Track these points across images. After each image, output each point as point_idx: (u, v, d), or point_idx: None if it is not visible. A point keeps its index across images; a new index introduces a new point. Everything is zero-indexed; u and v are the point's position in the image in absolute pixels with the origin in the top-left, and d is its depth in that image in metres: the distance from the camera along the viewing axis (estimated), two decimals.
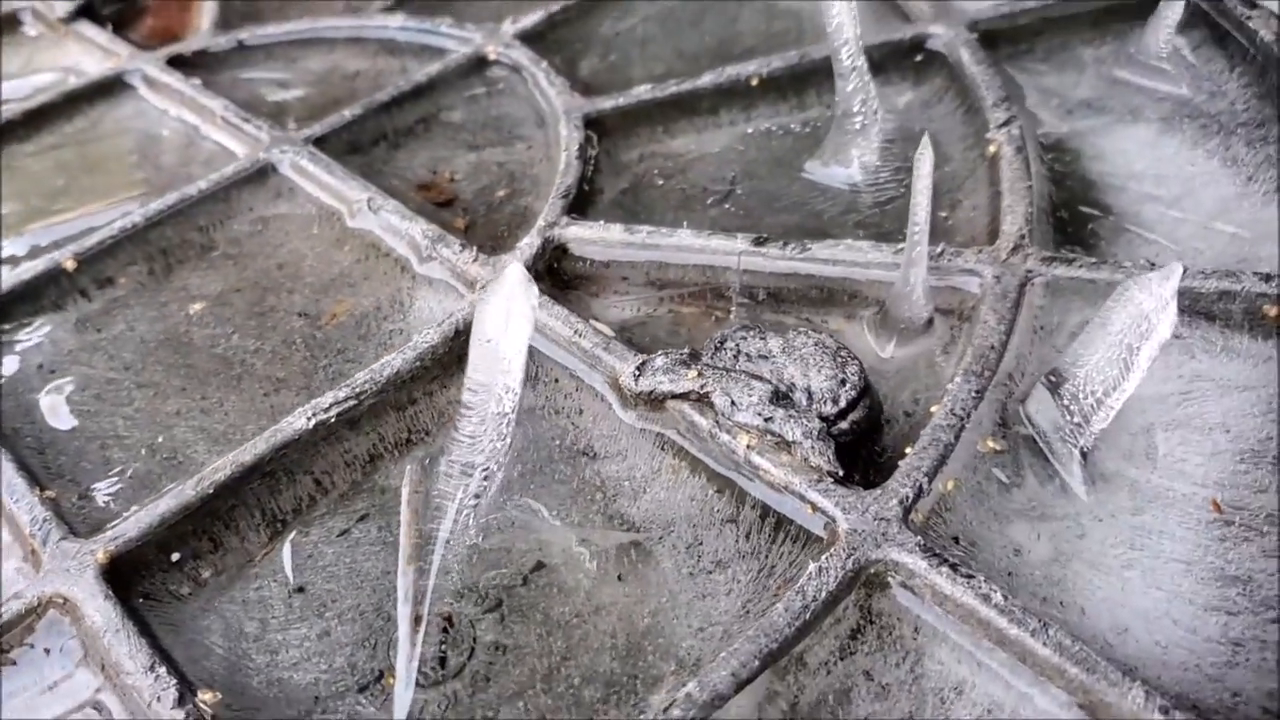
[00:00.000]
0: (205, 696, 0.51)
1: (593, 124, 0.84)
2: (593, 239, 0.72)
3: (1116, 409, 0.56)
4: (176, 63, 1.00)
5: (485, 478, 0.58)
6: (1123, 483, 0.57)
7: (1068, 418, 0.56)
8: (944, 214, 0.75)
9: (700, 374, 0.61)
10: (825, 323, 0.68)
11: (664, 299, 0.71)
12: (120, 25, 1.14)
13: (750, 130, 0.85)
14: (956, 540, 0.55)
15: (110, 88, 0.99)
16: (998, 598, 0.49)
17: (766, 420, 0.58)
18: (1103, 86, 0.83)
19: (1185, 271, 0.63)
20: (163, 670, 0.52)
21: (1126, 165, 0.76)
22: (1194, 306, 0.63)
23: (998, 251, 0.66)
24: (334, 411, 0.63)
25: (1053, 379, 0.57)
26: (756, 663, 0.49)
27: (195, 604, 0.58)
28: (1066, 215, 0.72)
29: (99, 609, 0.54)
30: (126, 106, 0.98)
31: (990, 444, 0.58)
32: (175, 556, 0.58)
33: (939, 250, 0.67)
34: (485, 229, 0.79)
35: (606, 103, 0.85)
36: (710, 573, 0.56)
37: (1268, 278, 0.62)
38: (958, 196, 0.76)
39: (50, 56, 1.09)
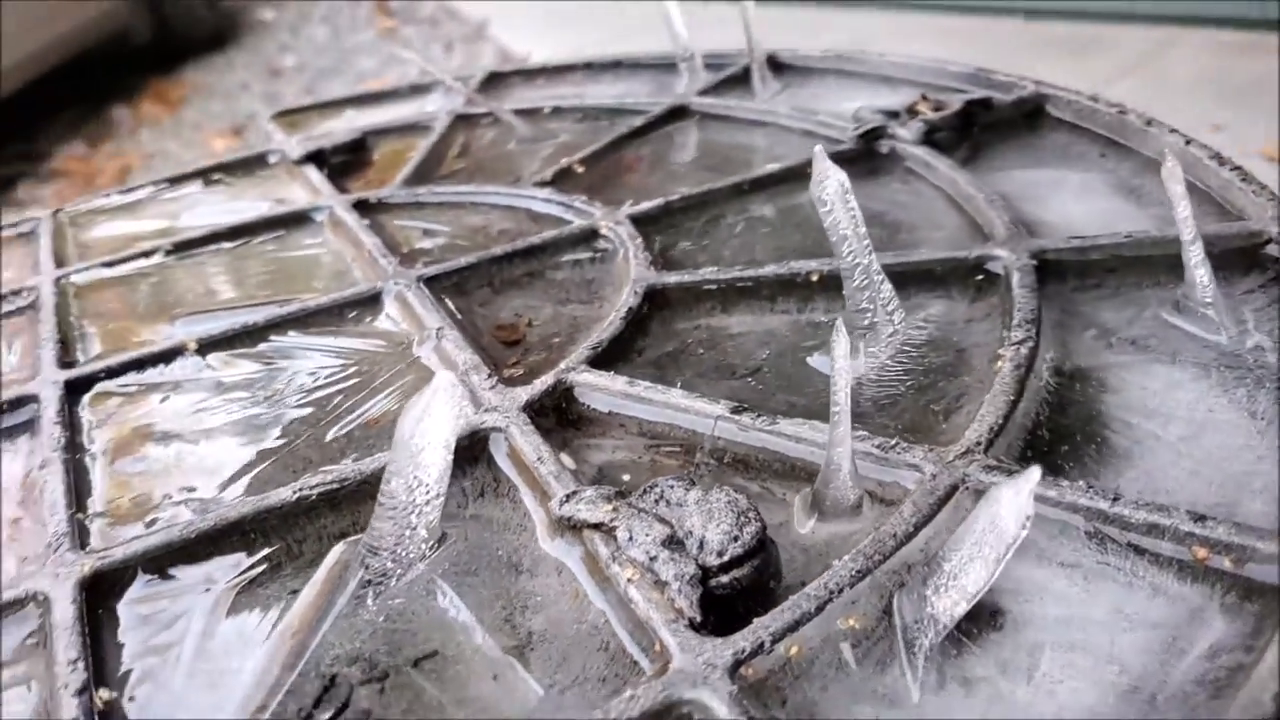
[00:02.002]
0: (102, 694, 0.60)
1: (656, 294, 0.92)
2: (599, 386, 0.79)
3: (964, 608, 0.56)
4: (361, 206, 1.18)
5: (394, 561, 0.65)
6: (986, 690, 0.57)
7: (924, 611, 0.57)
8: (941, 419, 0.76)
9: (615, 509, 0.65)
10: (784, 495, 0.71)
11: (649, 449, 0.77)
12: (345, 172, 1.34)
13: (802, 319, 0.90)
14: (784, 703, 0.56)
15: (301, 218, 1.18)
16: None
17: (651, 559, 0.62)
18: (1154, 327, 0.82)
19: (1094, 492, 0.62)
20: (80, 665, 0.61)
21: (1142, 402, 0.75)
22: (1124, 537, 0.62)
23: (945, 452, 0.68)
24: (317, 490, 0.72)
25: (925, 571, 0.58)
26: None
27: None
28: (1047, 435, 0.72)
29: (63, 609, 0.65)
30: (307, 235, 1.16)
31: (852, 622, 0.59)
32: (146, 578, 0.68)
33: (892, 443, 0.69)
34: (528, 367, 0.87)
35: (672, 278, 0.92)
36: (566, 689, 0.60)
37: (1201, 519, 0.60)
38: (960, 404, 0.77)
39: (277, 189, 1.30)
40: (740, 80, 1.43)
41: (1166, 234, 0.88)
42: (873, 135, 1.15)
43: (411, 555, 0.66)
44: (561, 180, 1.21)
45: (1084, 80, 1.33)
